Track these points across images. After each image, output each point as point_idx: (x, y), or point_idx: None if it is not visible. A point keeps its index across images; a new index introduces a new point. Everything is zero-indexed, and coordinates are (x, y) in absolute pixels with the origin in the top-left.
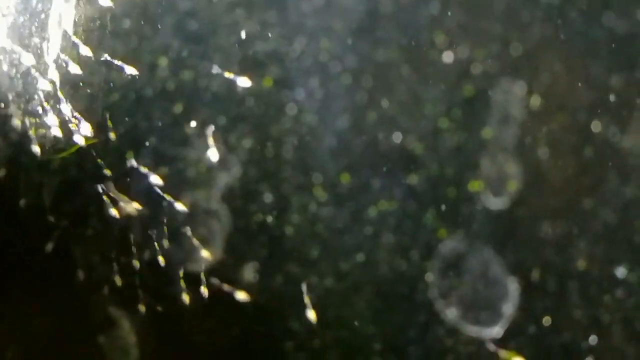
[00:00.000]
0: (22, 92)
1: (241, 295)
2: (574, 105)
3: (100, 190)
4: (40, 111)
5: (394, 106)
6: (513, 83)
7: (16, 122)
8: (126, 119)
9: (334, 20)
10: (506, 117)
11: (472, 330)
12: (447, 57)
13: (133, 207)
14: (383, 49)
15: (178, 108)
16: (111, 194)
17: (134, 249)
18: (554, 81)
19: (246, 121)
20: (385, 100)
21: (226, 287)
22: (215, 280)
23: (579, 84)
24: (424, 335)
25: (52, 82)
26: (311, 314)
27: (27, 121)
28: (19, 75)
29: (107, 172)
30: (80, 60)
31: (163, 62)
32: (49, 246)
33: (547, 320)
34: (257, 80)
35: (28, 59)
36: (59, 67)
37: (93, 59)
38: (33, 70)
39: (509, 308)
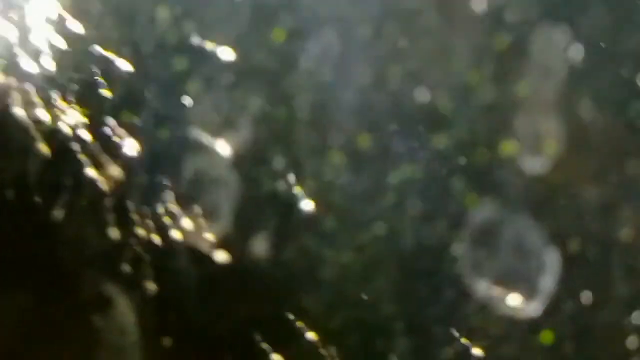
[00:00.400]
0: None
1: (250, 271)
2: (620, 56)
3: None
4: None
5: (419, 59)
6: (552, 30)
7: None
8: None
9: None
10: (544, 71)
11: (505, 307)
12: (478, 2)
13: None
14: None
15: (181, 64)
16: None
17: (132, 222)
18: (599, 28)
19: (255, 77)
20: (408, 53)
21: (234, 262)
22: (222, 255)
23: (627, 31)
24: (451, 313)
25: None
26: (327, 291)
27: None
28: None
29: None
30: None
31: (164, 13)
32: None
33: (587, 296)
34: (267, 31)
35: (12, 35)
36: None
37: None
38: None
39: (546, 282)
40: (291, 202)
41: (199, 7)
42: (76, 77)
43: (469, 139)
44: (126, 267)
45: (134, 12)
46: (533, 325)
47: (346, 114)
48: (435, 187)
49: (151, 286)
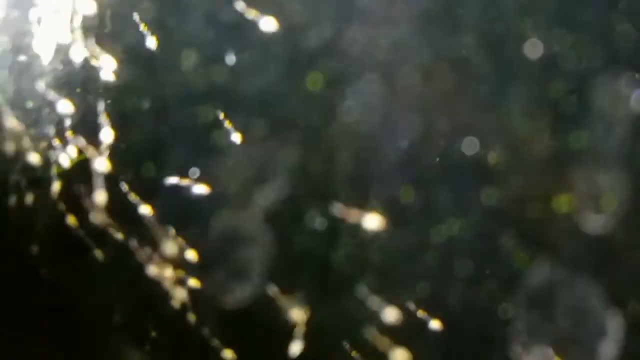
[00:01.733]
0: (16, 92)
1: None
2: None
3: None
4: (35, 114)
5: (469, 109)
6: (615, 79)
7: (9, 124)
8: (142, 123)
9: (399, 5)
10: (605, 121)
11: None
12: (534, 49)
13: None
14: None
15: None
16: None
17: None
18: None
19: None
20: (457, 103)
21: (266, 322)
22: (252, 314)
23: None
24: None
25: (47, 82)
26: (367, 355)
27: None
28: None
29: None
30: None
31: (191, 56)
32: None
33: None
34: (304, 77)
35: (22, 57)
36: (54, 65)
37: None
38: (27, 69)
39: (607, 348)
40: (328, 262)
41: (228, 52)
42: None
43: (522, 194)
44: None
45: (160, 57)
46: None
47: (389, 167)
48: (484, 245)
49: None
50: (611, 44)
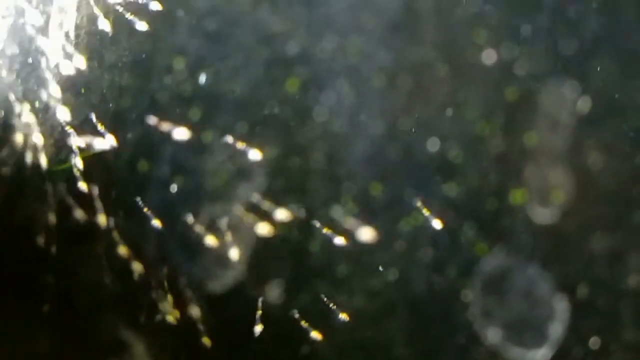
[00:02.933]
0: (21, 98)
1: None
2: (627, 109)
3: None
4: (40, 118)
5: (430, 111)
6: (560, 84)
7: (16, 129)
8: (137, 125)
9: (366, 17)
10: (552, 122)
11: (515, 353)
12: (489, 56)
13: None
14: (419, 47)
15: (195, 114)
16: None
17: (149, 267)
18: (605, 82)
19: (270, 128)
20: (420, 105)
21: (247, 305)
22: (236, 298)
23: (632, 85)
24: (461, 359)
25: (53, 88)
26: (340, 336)
27: (26, 128)
28: (19, 81)
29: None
30: (81, 64)
31: (179, 64)
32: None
33: (596, 342)
34: (281, 82)
35: (28, 63)
36: (59, 71)
37: (94, 63)
38: (33, 75)
39: (555, 329)
40: (305, 249)
41: (214, 59)
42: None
43: (480, 188)
44: (143, 312)
45: (151, 63)
46: None
47: (359, 164)
48: (446, 235)
49: (168, 330)
50: (556, 53)
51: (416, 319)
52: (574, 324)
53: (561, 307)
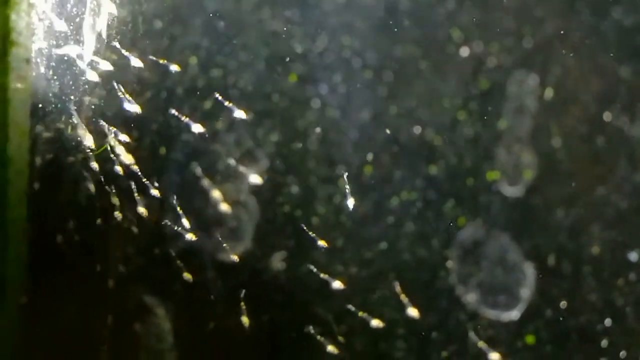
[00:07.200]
0: (58, 94)
1: (270, 283)
2: (586, 96)
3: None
4: (75, 113)
5: (414, 100)
6: (526, 76)
7: (55, 124)
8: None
9: (355, 18)
10: (520, 109)
11: (491, 313)
12: (464, 52)
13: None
14: (402, 45)
15: (207, 105)
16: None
17: (165, 239)
18: (565, 73)
19: (273, 116)
20: (404, 95)
21: (255, 276)
22: (245, 270)
23: (590, 76)
24: (445, 319)
25: (87, 85)
26: (337, 301)
27: (63, 122)
28: (55, 77)
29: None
30: (114, 63)
31: (193, 60)
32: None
33: (563, 304)
34: (283, 76)
35: (64, 61)
36: (93, 69)
37: (127, 60)
38: (69, 73)
39: (526, 292)
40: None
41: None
42: None
43: (458, 168)
44: (163, 280)
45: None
46: (517, 330)
47: (351, 148)
48: (429, 210)
49: (184, 298)
50: (524, 47)
51: (404, 284)
52: (540, 288)
53: (530, 272)
